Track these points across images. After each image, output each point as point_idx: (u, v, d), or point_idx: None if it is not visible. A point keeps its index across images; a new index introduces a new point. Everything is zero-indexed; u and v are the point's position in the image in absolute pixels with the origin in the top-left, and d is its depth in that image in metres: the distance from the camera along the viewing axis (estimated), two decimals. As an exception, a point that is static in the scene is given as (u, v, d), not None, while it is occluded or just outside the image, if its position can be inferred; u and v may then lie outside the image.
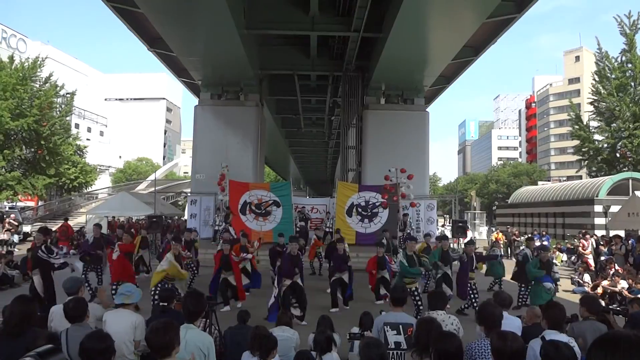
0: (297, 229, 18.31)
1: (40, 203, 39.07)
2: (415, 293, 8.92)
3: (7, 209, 30.76)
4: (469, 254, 9.99)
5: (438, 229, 20.95)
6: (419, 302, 8.68)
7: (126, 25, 18.80)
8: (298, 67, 22.56)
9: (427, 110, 24.24)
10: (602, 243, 16.88)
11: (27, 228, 27.97)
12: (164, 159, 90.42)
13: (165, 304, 5.48)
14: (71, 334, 3.69)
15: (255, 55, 20.89)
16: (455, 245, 18.12)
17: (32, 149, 31.59)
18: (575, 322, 4.89)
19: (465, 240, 12.58)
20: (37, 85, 32.10)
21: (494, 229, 29.56)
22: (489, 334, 3.54)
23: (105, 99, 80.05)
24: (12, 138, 30.38)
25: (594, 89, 34.00)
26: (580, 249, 17.44)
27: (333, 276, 10.57)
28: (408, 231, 17.90)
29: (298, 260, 9.34)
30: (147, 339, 3.09)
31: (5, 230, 22.51)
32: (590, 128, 35.56)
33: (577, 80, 76.40)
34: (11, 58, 31.85)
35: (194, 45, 18.58)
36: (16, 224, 24.90)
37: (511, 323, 4.48)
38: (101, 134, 75.28)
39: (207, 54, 19.42)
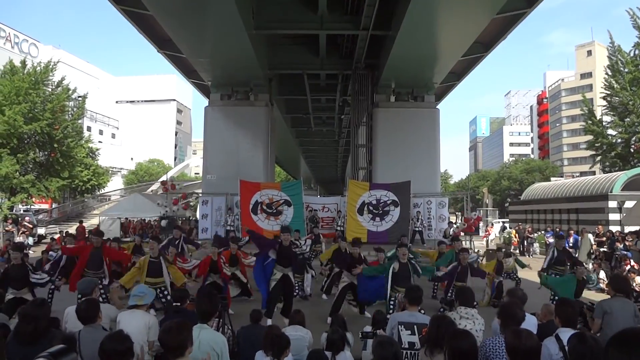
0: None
1: (54, 205, 39.56)
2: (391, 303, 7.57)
3: (21, 211, 31.17)
4: (462, 263, 8.84)
5: (450, 226, 20.79)
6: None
7: (136, 28, 18.93)
8: (307, 67, 22.51)
9: (437, 107, 24.11)
10: (617, 239, 16.67)
11: (41, 230, 28.37)
12: (175, 160, 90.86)
13: (179, 304, 5.51)
14: (83, 336, 3.70)
15: (265, 55, 20.91)
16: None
17: (46, 152, 31.91)
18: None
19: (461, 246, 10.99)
20: (50, 89, 32.41)
21: (507, 226, 29.19)
22: (504, 331, 3.52)
23: (117, 102, 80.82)
24: (26, 142, 30.71)
25: (606, 84, 33.46)
26: None
27: (339, 281, 9.44)
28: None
29: (290, 251, 8.74)
30: (161, 339, 3.10)
31: (21, 233, 22.85)
32: (604, 123, 35.04)
33: (589, 75, 75.37)
34: (23, 62, 32.18)
35: (203, 46, 18.64)
36: (31, 226, 25.31)
37: (527, 321, 4.43)
38: (113, 136, 75.99)
39: (217, 55, 19.47)
